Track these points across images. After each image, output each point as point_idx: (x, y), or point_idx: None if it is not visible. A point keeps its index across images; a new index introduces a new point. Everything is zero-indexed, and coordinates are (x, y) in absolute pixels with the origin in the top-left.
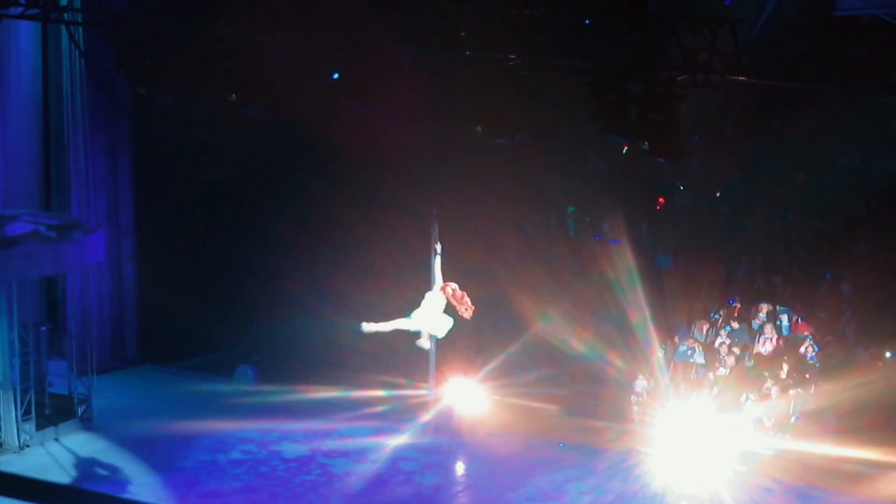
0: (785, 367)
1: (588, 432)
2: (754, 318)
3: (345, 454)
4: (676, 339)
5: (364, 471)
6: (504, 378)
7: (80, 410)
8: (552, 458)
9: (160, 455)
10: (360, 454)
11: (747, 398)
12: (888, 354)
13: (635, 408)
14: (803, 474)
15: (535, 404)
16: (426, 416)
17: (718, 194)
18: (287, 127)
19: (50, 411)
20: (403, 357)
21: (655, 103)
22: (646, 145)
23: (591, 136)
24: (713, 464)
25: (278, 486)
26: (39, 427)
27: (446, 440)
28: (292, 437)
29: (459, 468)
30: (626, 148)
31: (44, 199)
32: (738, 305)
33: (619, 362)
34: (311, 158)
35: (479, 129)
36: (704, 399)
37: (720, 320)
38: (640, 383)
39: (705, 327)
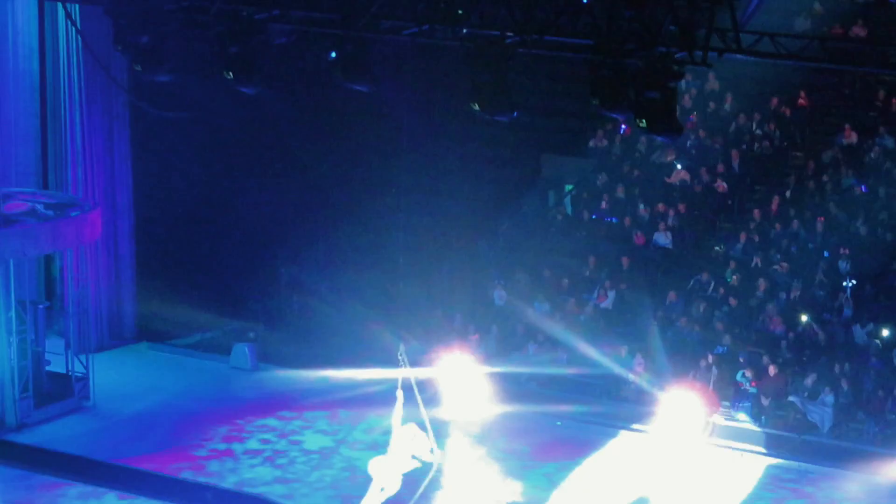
0: (783, 344)
1: (585, 410)
2: (752, 296)
3: (342, 437)
4: (673, 317)
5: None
6: (500, 356)
7: (77, 388)
8: (552, 436)
9: (160, 438)
10: (364, 440)
11: (744, 376)
12: (885, 332)
13: (632, 385)
14: (800, 452)
15: (533, 383)
16: (426, 396)
17: (716, 172)
18: (284, 104)
19: (48, 389)
20: (398, 335)
21: (653, 80)
22: (643, 122)
23: (590, 114)
24: (709, 441)
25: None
26: (37, 405)
27: (445, 420)
28: (308, 423)
29: (461, 448)
30: (623, 125)
31: (41, 178)
32: (735, 282)
33: (616, 340)
34: (309, 136)
35: (476, 106)
36: (700, 376)
37: (718, 298)
38: (637, 361)
39: (702, 305)
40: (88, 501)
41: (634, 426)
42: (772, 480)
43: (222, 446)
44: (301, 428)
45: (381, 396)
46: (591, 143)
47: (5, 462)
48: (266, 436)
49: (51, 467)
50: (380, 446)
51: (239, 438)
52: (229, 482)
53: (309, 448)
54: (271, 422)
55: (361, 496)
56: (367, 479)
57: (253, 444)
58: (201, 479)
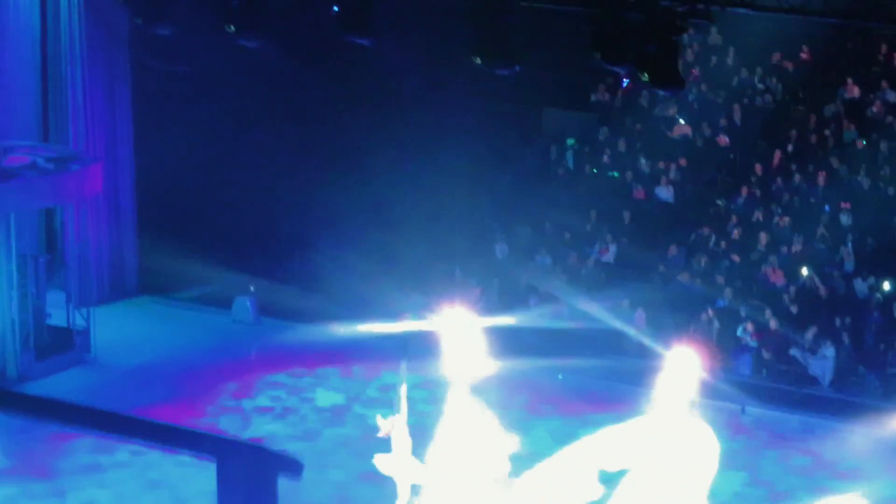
0: (784, 298)
1: (587, 364)
2: (753, 250)
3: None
4: (674, 272)
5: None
6: (501, 310)
7: (78, 342)
8: (553, 389)
9: (165, 392)
10: (378, 398)
11: (745, 330)
12: (886, 286)
13: (633, 340)
14: (802, 406)
15: (534, 336)
16: (430, 350)
17: (719, 126)
18: (286, 59)
19: (49, 342)
20: (400, 289)
21: (655, 34)
22: (645, 76)
23: (591, 68)
24: (710, 397)
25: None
26: (38, 358)
27: (446, 374)
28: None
29: (462, 401)
30: (625, 79)
31: (42, 132)
32: (737, 237)
33: (617, 294)
34: (310, 91)
35: (478, 60)
36: (701, 330)
37: (719, 252)
38: (638, 315)
39: (703, 259)
40: (99, 456)
41: (636, 381)
42: (775, 437)
43: (231, 402)
44: (312, 385)
45: (393, 352)
46: (593, 98)
47: (7, 412)
48: (277, 392)
49: (57, 417)
50: (394, 405)
51: (247, 394)
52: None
53: (321, 405)
54: (282, 378)
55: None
56: (381, 438)
57: (263, 400)
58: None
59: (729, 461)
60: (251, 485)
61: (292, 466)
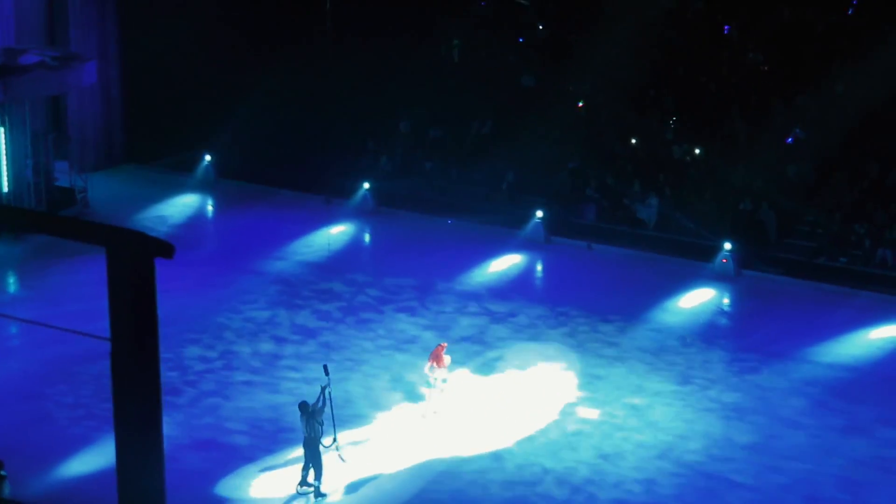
0: (619, 162)
1: (470, 214)
2: (594, 124)
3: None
4: (536, 141)
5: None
6: (403, 173)
7: (79, 199)
8: (443, 232)
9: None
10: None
11: (590, 188)
12: (696, 151)
13: (504, 192)
14: (635, 244)
15: (429, 192)
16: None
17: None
18: None
19: (56, 199)
20: (326, 158)
21: None
22: None
23: None
24: (565, 237)
25: None
26: (49, 212)
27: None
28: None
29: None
30: None
31: (48, 37)
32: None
33: (494, 160)
34: (260, 4)
35: None
36: (557, 186)
37: (571, 123)
38: (509, 175)
39: (559, 130)
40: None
41: (507, 224)
42: (613, 265)
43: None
44: None
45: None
46: (472, 10)
47: None
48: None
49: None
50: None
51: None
52: None
53: None
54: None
55: None
56: None
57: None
58: None
59: (581, 278)
60: (134, 265)
61: (166, 249)
